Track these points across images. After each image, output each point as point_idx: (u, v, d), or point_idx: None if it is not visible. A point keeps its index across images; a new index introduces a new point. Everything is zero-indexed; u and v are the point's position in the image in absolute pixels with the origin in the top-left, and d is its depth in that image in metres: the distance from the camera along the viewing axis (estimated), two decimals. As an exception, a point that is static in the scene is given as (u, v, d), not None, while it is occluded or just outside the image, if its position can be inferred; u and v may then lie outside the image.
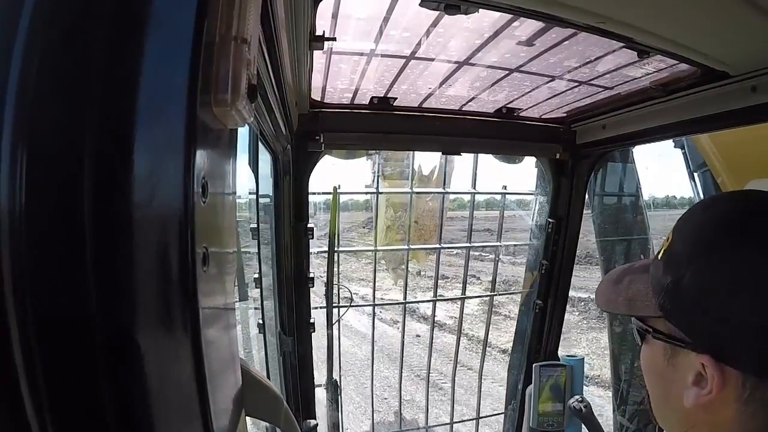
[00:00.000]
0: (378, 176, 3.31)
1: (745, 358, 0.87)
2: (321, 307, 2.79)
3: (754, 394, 0.87)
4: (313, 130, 2.24)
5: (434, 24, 1.56)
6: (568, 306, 3.06)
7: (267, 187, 2.31)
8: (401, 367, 3.83)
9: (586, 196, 2.99)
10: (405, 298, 3.56)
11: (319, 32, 1.52)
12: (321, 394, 2.80)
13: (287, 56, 1.39)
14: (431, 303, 3.66)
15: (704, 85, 1.84)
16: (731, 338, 0.88)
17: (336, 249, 2.80)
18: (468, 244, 3.52)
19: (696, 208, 1.01)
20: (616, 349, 5.17)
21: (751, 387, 0.87)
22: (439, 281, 3.47)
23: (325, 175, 2.65)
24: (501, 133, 2.58)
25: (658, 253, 1.01)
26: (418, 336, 10.43)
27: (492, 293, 3.60)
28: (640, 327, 1.02)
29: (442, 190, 3.51)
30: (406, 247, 3.52)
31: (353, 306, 3.35)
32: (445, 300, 5.00)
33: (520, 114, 2.53)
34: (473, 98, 2.31)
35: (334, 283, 2.78)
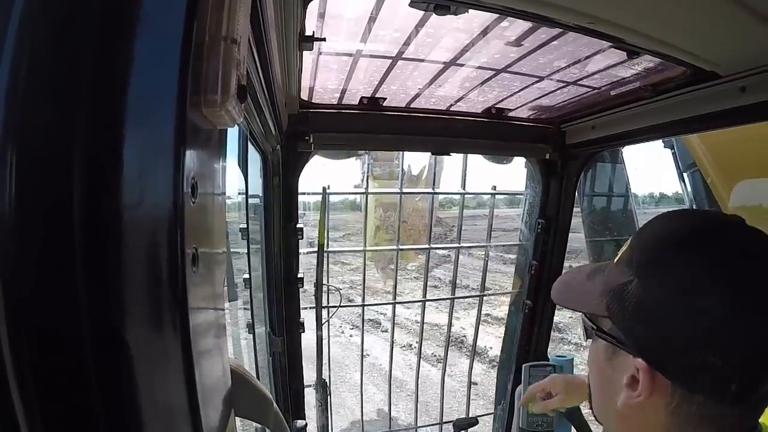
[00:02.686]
0: (367, 176, 3.32)
1: (673, 370, 0.90)
2: (311, 307, 2.79)
3: (682, 406, 0.90)
4: (302, 130, 2.24)
5: (424, 24, 1.56)
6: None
7: (256, 187, 2.31)
8: (390, 371, 3.83)
9: (576, 196, 2.99)
10: (395, 298, 3.57)
11: (308, 32, 1.52)
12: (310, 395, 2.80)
13: (277, 56, 1.39)
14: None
15: (694, 85, 1.85)
16: (664, 349, 0.90)
17: (325, 249, 2.80)
18: (457, 245, 3.53)
19: (656, 220, 1.02)
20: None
21: (680, 398, 0.90)
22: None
23: (315, 175, 2.65)
24: (491, 133, 2.58)
25: (615, 258, 1.03)
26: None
27: (482, 293, 3.60)
28: (587, 324, 1.05)
29: (431, 191, 3.51)
30: (395, 247, 3.52)
31: (342, 306, 3.35)
32: (434, 300, 5.01)
33: (510, 114, 2.53)
34: (463, 98, 2.31)
35: (323, 283, 2.78)
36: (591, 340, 1.07)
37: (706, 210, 1.83)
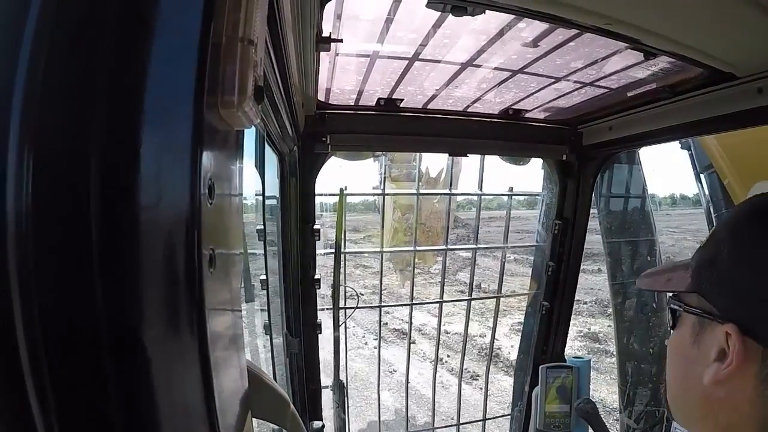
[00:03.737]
0: (385, 178, 3.31)
1: (765, 333, 0.88)
2: (328, 309, 2.79)
3: None
4: (319, 131, 2.24)
5: (440, 25, 1.56)
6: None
7: (273, 188, 2.31)
8: (407, 372, 3.83)
9: (593, 197, 2.98)
10: (412, 299, 3.56)
11: (325, 33, 1.52)
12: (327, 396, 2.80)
13: (294, 57, 1.40)
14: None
15: (711, 86, 1.84)
16: (757, 312, 0.89)
17: (342, 250, 2.80)
18: (474, 246, 3.52)
19: (744, 202, 1.03)
20: (622, 350, 5.17)
21: None
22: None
23: (332, 176, 2.65)
24: (507, 134, 2.58)
25: (702, 243, 1.04)
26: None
27: (499, 295, 3.59)
28: (674, 304, 1.05)
29: (448, 192, 3.50)
30: (412, 248, 3.51)
31: (360, 307, 3.35)
32: (451, 301, 5.01)
33: (527, 115, 2.53)
34: (479, 99, 2.31)
35: (341, 284, 2.79)
36: (673, 331, 1.07)
37: None
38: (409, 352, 3.78)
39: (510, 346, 11.16)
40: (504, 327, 12.23)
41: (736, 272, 0.91)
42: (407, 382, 3.81)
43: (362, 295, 3.42)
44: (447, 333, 11.29)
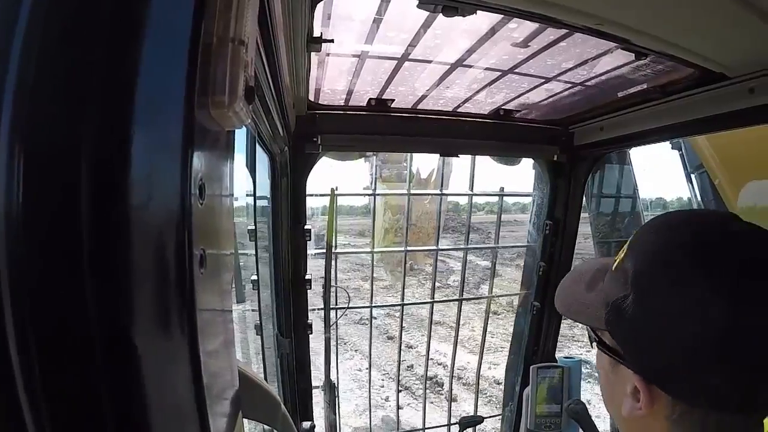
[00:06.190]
0: (376, 178, 3.32)
1: (672, 387, 0.89)
2: (318, 309, 2.79)
3: (684, 415, 0.89)
4: (310, 131, 2.24)
5: (431, 25, 1.56)
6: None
7: (264, 188, 2.31)
8: (399, 369, 3.83)
9: (584, 197, 2.99)
10: (403, 300, 3.57)
11: (316, 34, 1.52)
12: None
13: (285, 58, 1.39)
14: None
15: (702, 86, 1.85)
16: (663, 367, 0.89)
17: (334, 251, 2.80)
18: (465, 246, 3.52)
19: (653, 225, 1.00)
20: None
21: (681, 411, 0.89)
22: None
23: (323, 177, 2.65)
24: (498, 134, 2.58)
25: (614, 263, 1.01)
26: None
27: (490, 295, 3.60)
28: (590, 334, 1.06)
29: (439, 192, 3.51)
30: (403, 249, 3.52)
31: (351, 308, 3.34)
32: (442, 302, 5.01)
33: (518, 115, 2.54)
34: (470, 100, 2.31)
35: (332, 285, 2.79)
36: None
37: (704, 212, 1.77)
38: (400, 350, 3.78)
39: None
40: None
41: (642, 323, 0.90)
42: (398, 380, 3.81)
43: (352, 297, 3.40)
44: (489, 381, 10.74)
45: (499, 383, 8.52)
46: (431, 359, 4.12)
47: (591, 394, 5.89)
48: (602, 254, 5.33)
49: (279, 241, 2.34)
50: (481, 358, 3.66)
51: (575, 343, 10.82)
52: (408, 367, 10.18)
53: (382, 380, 9.76)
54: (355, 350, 11.21)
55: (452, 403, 3.77)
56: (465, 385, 9.22)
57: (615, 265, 1.00)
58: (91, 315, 0.35)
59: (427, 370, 3.75)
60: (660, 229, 0.98)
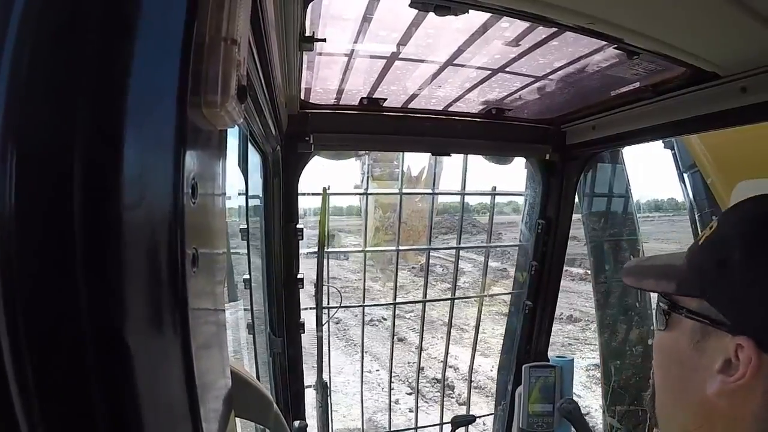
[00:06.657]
0: (367, 177, 3.32)
1: None
2: (311, 308, 2.79)
3: None
4: (302, 130, 2.24)
5: (423, 24, 1.56)
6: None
7: (257, 188, 2.31)
8: (391, 369, 3.83)
9: (576, 196, 2.99)
10: (395, 298, 3.57)
11: (309, 33, 1.52)
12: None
13: (277, 57, 1.39)
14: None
15: (694, 85, 1.85)
16: None
17: (326, 249, 2.80)
18: (456, 246, 3.53)
19: (745, 202, 0.98)
20: (605, 351, 5.20)
21: None
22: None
23: (315, 176, 2.65)
24: (490, 133, 2.58)
25: (699, 239, 0.98)
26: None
27: (482, 294, 3.60)
28: (668, 305, 0.99)
29: (431, 191, 3.51)
30: (395, 248, 3.52)
31: (342, 307, 3.34)
32: (435, 301, 5.01)
33: (510, 114, 2.54)
34: (462, 98, 2.31)
35: (324, 284, 2.78)
36: (662, 330, 1.01)
37: None
38: (392, 348, 3.78)
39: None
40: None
41: (753, 282, 0.85)
42: (390, 379, 3.81)
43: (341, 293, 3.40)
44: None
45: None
46: (441, 361, 4.10)
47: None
48: (595, 255, 5.34)
49: (271, 240, 2.34)
50: (473, 356, 3.66)
51: (587, 346, 10.80)
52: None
53: (393, 383, 9.68)
54: (365, 352, 11.19)
55: (465, 406, 3.76)
56: (476, 388, 9.15)
57: (702, 239, 0.97)
58: (83, 314, 0.35)
59: (444, 374, 3.76)
60: (755, 203, 0.97)
